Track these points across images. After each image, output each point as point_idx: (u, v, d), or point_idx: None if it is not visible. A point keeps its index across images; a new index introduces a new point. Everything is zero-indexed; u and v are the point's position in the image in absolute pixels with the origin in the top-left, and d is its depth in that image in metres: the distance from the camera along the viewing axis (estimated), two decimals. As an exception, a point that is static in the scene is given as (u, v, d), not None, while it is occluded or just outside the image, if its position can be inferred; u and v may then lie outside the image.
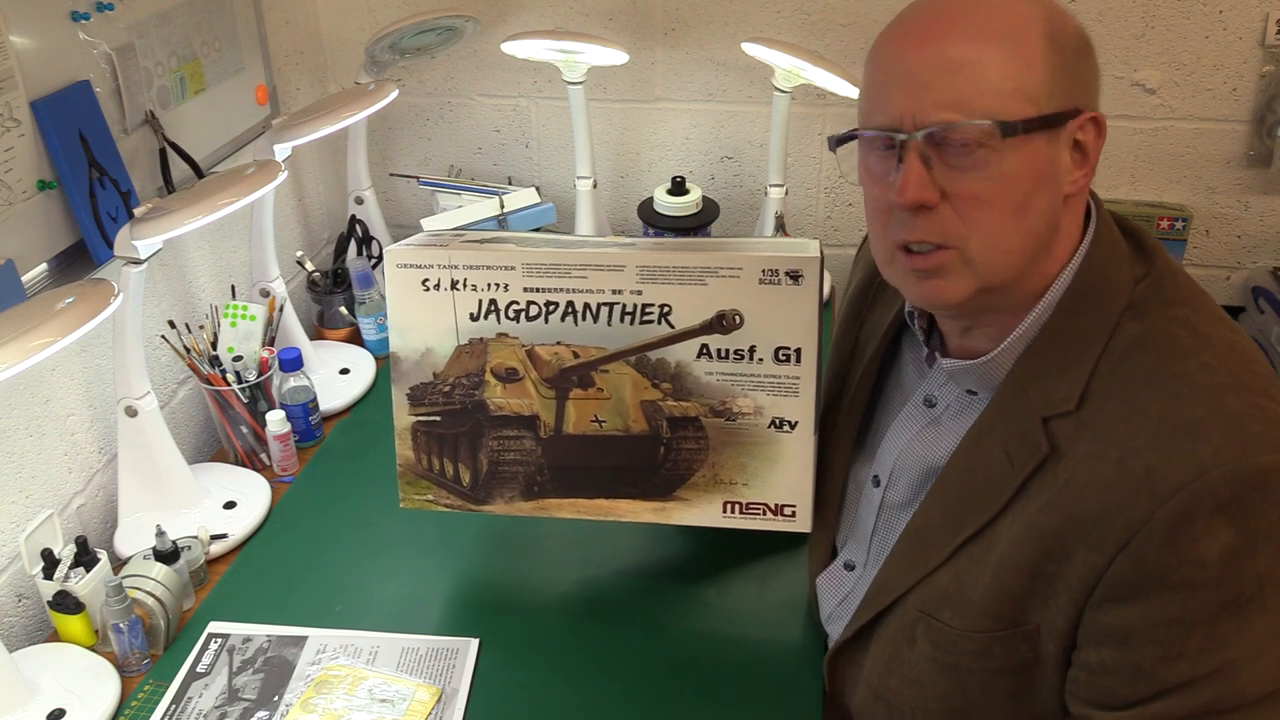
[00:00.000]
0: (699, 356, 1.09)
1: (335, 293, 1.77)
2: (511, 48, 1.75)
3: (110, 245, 1.24)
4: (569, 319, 1.10)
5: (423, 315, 1.13)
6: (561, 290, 1.10)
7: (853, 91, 1.61)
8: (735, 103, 1.88)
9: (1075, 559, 0.81)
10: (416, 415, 1.16)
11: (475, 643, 1.16)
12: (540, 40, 1.71)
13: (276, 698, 1.11)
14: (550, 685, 1.11)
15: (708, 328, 1.08)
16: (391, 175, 2.02)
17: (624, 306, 1.09)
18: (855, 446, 1.09)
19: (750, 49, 1.68)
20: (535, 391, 1.12)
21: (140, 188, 1.37)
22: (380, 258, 1.83)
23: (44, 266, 1.24)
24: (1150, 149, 1.77)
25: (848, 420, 1.09)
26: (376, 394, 1.63)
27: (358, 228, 1.83)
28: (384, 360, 1.70)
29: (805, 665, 1.12)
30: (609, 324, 1.10)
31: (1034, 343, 0.88)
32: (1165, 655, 0.78)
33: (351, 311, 1.76)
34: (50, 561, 1.15)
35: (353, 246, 1.82)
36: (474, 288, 1.11)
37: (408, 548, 1.31)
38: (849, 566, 1.08)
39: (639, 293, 1.09)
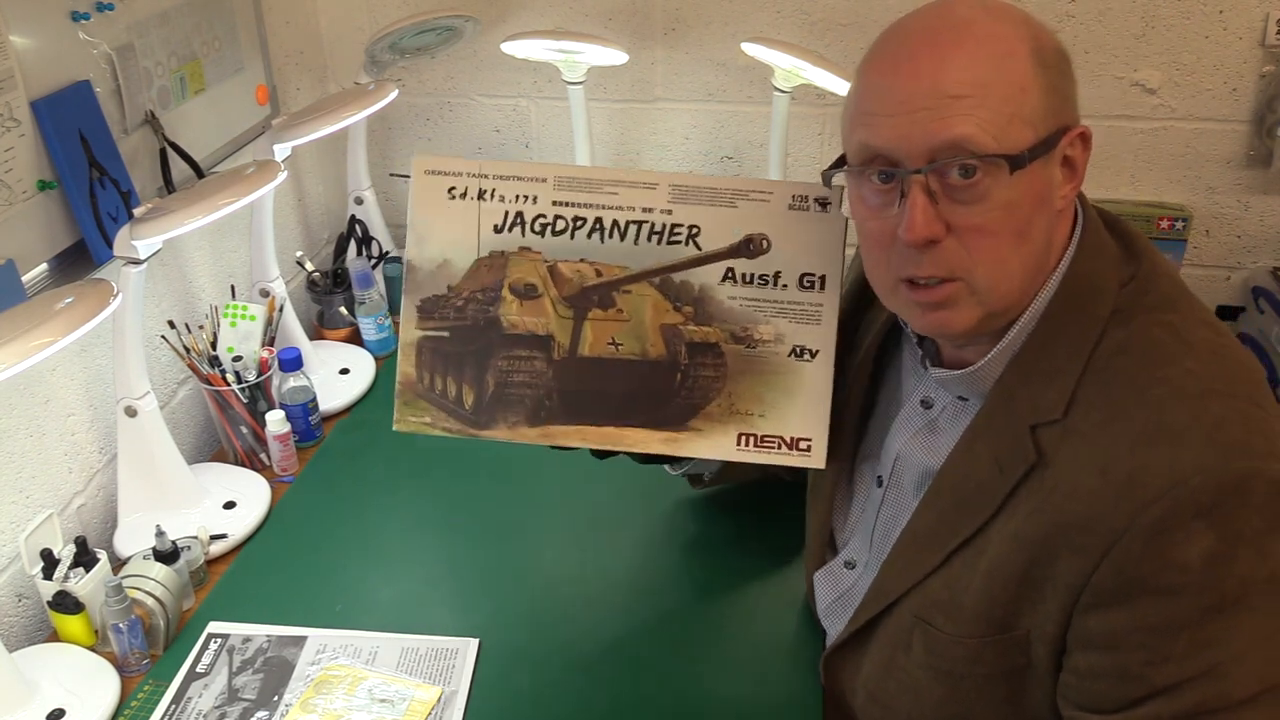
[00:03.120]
0: (724, 280, 1.08)
1: (335, 293, 1.77)
2: (511, 48, 1.75)
3: (110, 245, 1.24)
4: (595, 235, 1.08)
5: (444, 225, 1.10)
6: (591, 205, 1.08)
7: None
8: (735, 103, 1.88)
9: (1061, 565, 0.81)
10: (425, 330, 1.11)
11: (475, 643, 1.16)
12: (540, 40, 1.71)
13: (276, 698, 1.11)
14: (550, 685, 1.11)
15: (735, 251, 1.07)
16: (391, 175, 2.02)
17: (653, 225, 1.08)
18: (857, 443, 1.09)
19: (750, 49, 1.68)
20: (553, 310, 1.09)
21: (140, 188, 1.37)
22: (380, 257, 1.83)
23: (44, 266, 1.24)
24: (1150, 149, 1.77)
25: (848, 416, 1.09)
26: (376, 394, 1.63)
27: (357, 228, 1.83)
28: (384, 360, 1.70)
29: (805, 664, 1.12)
30: (636, 243, 1.08)
31: (1021, 351, 0.88)
32: (1152, 659, 0.79)
33: (351, 311, 1.76)
34: (50, 561, 1.15)
35: (352, 246, 1.82)
36: (501, 199, 1.09)
37: (408, 547, 1.31)
38: (849, 565, 1.08)
39: (669, 212, 1.07)
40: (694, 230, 1.07)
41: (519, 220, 1.09)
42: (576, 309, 1.09)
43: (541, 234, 1.09)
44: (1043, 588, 0.84)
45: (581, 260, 1.08)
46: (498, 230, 1.09)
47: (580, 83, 1.76)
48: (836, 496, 1.11)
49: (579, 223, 1.08)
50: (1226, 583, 0.76)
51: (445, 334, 1.11)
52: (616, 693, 1.10)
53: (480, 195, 1.09)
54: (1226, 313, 1.85)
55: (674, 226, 1.07)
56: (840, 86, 1.62)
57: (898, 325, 1.06)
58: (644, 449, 1.10)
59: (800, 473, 1.13)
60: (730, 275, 1.08)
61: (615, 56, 1.72)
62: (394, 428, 1.12)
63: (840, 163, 0.88)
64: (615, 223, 1.08)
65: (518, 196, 1.09)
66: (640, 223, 1.08)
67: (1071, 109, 0.84)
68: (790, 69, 1.64)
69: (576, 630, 1.18)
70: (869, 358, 1.07)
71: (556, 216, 1.08)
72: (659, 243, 1.08)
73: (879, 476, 1.04)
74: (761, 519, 1.33)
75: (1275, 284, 1.74)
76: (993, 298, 0.84)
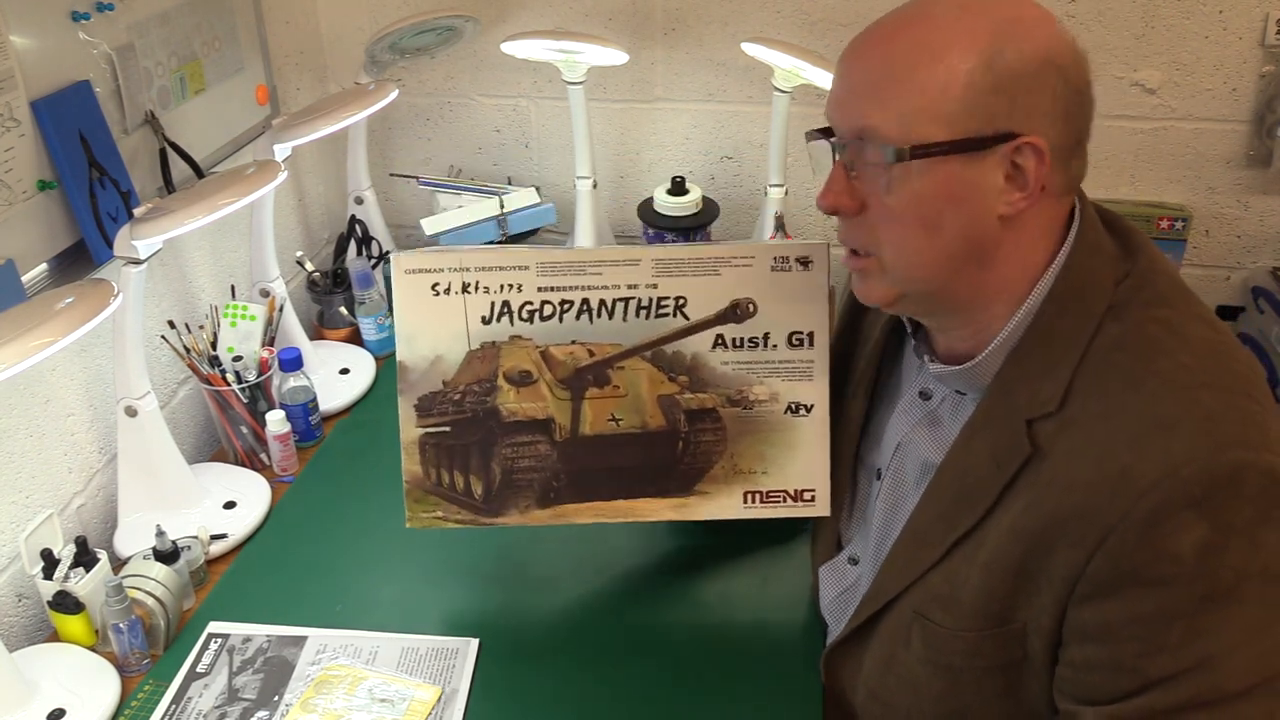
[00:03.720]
0: (714, 347, 1.10)
1: (335, 293, 1.77)
2: (511, 48, 1.75)
3: (110, 245, 1.24)
4: (584, 316, 1.10)
5: (432, 321, 1.11)
6: (576, 288, 1.09)
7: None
8: (735, 103, 1.88)
9: (1057, 557, 0.82)
10: (425, 427, 1.13)
11: (475, 643, 1.16)
12: (540, 40, 1.71)
13: (276, 698, 1.11)
14: (550, 685, 1.11)
15: (723, 317, 1.10)
16: (391, 175, 2.02)
17: (639, 301, 1.09)
18: (861, 438, 1.10)
19: (750, 49, 1.68)
20: (550, 393, 1.11)
21: (140, 188, 1.37)
22: (380, 257, 1.83)
23: (44, 266, 1.24)
24: (1150, 149, 1.77)
25: (852, 412, 1.10)
26: (376, 394, 1.63)
27: (357, 228, 1.83)
28: (384, 360, 1.70)
29: (807, 662, 1.12)
30: (624, 319, 1.10)
31: (1017, 346, 0.89)
32: (1146, 650, 0.79)
33: (351, 311, 1.76)
34: (50, 561, 1.15)
35: (352, 246, 1.82)
36: (486, 290, 1.10)
37: (408, 547, 1.31)
38: (853, 560, 1.08)
39: (654, 286, 1.09)
40: (680, 301, 1.09)
41: (506, 309, 1.10)
42: (573, 390, 1.11)
43: (530, 320, 1.10)
44: (1038, 580, 0.84)
45: (573, 342, 1.10)
46: (486, 321, 1.11)
47: (580, 83, 1.76)
48: (842, 492, 1.11)
49: (566, 306, 1.10)
50: (1219, 573, 0.76)
51: (446, 429, 1.13)
52: (617, 692, 1.10)
53: (464, 289, 1.10)
54: (1226, 313, 1.85)
55: (660, 300, 1.09)
56: (840, 86, 1.61)
57: (900, 323, 1.06)
58: (656, 518, 1.14)
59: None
60: (721, 341, 1.10)
61: (615, 56, 1.72)
62: (406, 525, 1.15)
63: (813, 133, 0.93)
64: (602, 302, 1.09)
65: (502, 286, 1.10)
66: (627, 299, 1.09)
67: (1031, 119, 0.82)
68: (790, 69, 1.64)
69: (577, 630, 1.18)
70: (875, 353, 1.08)
71: (544, 302, 1.10)
72: (647, 317, 1.10)
73: (878, 469, 1.04)
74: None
75: (1275, 284, 1.74)
76: (903, 279, 0.89)
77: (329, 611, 1.22)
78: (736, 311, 1.09)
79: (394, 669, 1.13)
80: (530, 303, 1.10)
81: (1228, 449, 0.76)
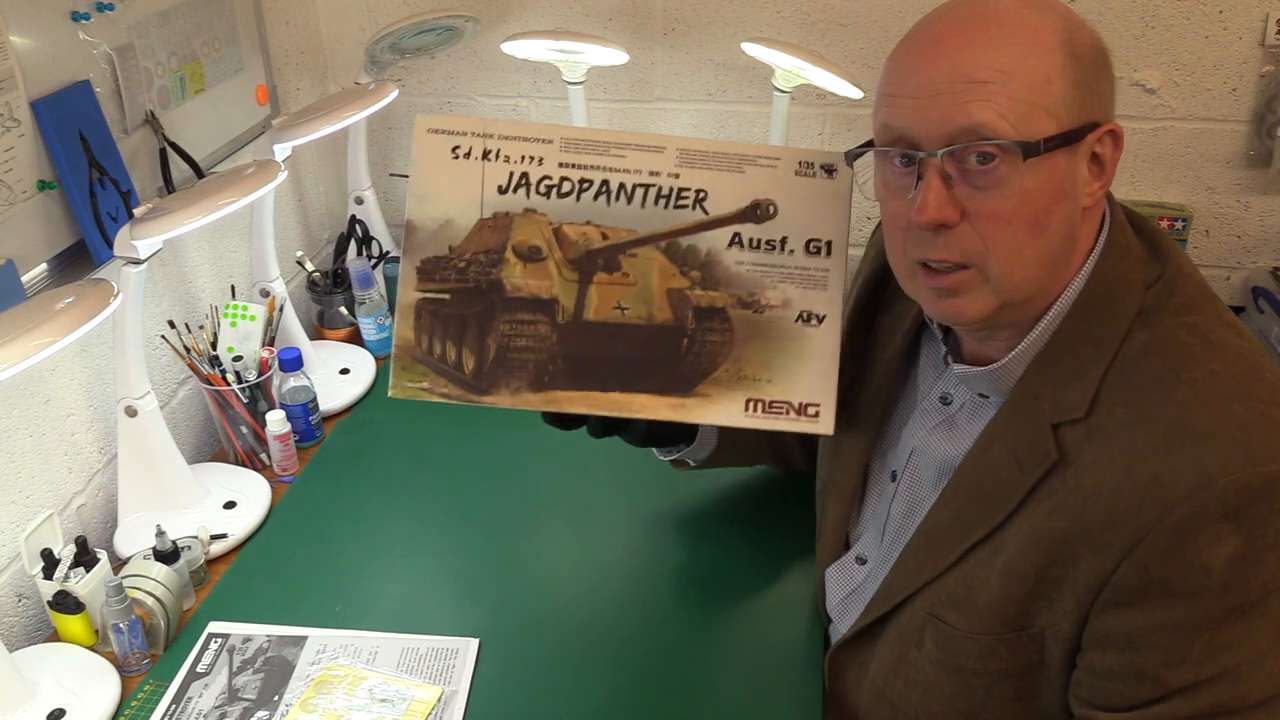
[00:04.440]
0: (730, 245, 1.07)
1: (335, 293, 1.77)
2: (511, 48, 1.75)
3: (110, 245, 1.24)
4: (602, 198, 1.06)
5: (447, 184, 1.07)
6: (597, 168, 1.06)
7: (853, 91, 1.61)
8: (735, 103, 1.88)
9: (1081, 564, 0.81)
10: (424, 292, 1.07)
11: (475, 643, 1.16)
12: (540, 40, 1.71)
13: (276, 698, 1.11)
14: (550, 685, 1.11)
15: (742, 215, 1.06)
16: (391, 175, 2.02)
17: (660, 189, 1.06)
18: (876, 439, 1.09)
19: (750, 49, 1.68)
20: (557, 273, 1.07)
21: (140, 188, 1.37)
22: (381, 257, 1.83)
23: (44, 266, 1.24)
24: (1150, 149, 1.77)
25: (870, 414, 1.09)
26: (377, 394, 1.63)
27: (358, 228, 1.83)
28: (384, 360, 1.70)
29: (807, 662, 1.12)
30: (642, 206, 1.06)
31: (1045, 350, 0.88)
32: (1168, 660, 0.79)
33: (351, 311, 1.76)
34: (50, 561, 1.15)
35: (353, 246, 1.82)
36: (506, 159, 1.07)
37: (408, 547, 1.31)
38: (861, 560, 1.08)
39: (676, 175, 1.06)
40: (701, 194, 1.06)
41: (524, 181, 1.06)
42: (582, 272, 1.07)
43: (547, 196, 1.06)
44: (1060, 586, 0.83)
45: (587, 223, 1.06)
46: (502, 191, 1.07)
47: (580, 83, 1.76)
48: (851, 492, 1.10)
49: (585, 185, 1.06)
50: (1249, 586, 0.76)
51: (445, 296, 1.07)
52: (617, 692, 1.10)
53: (485, 155, 1.07)
54: (1236, 317, 1.85)
55: (681, 190, 1.06)
56: (840, 86, 1.62)
57: (921, 324, 1.06)
58: (651, 415, 1.08)
59: (809, 446, 1.10)
60: (737, 240, 1.06)
61: (615, 56, 1.72)
62: (389, 393, 1.07)
63: (868, 146, 0.89)
64: (622, 185, 1.06)
65: (523, 157, 1.06)
66: (647, 186, 1.06)
67: (1104, 106, 0.84)
68: (790, 69, 1.64)
69: (577, 630, 1.18)
70: (898, 355, 1.06)
71: (562, 178, 1.06)
72: (666, 206, 1.06)
73: (893, 471, 1.04)
74: (765, 517, 1.33)
75: (1275, 284, 1.74)
76: (1006, 286, 0.84)
77: (329, 611, 1.22)
78: (756, 211, 1.05)
79: (394, 669, 1.13)
80: (549, 177, 1.06)
81: (1263, 462, 0.76)
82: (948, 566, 0.91)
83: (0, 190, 1.17)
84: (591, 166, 1.06)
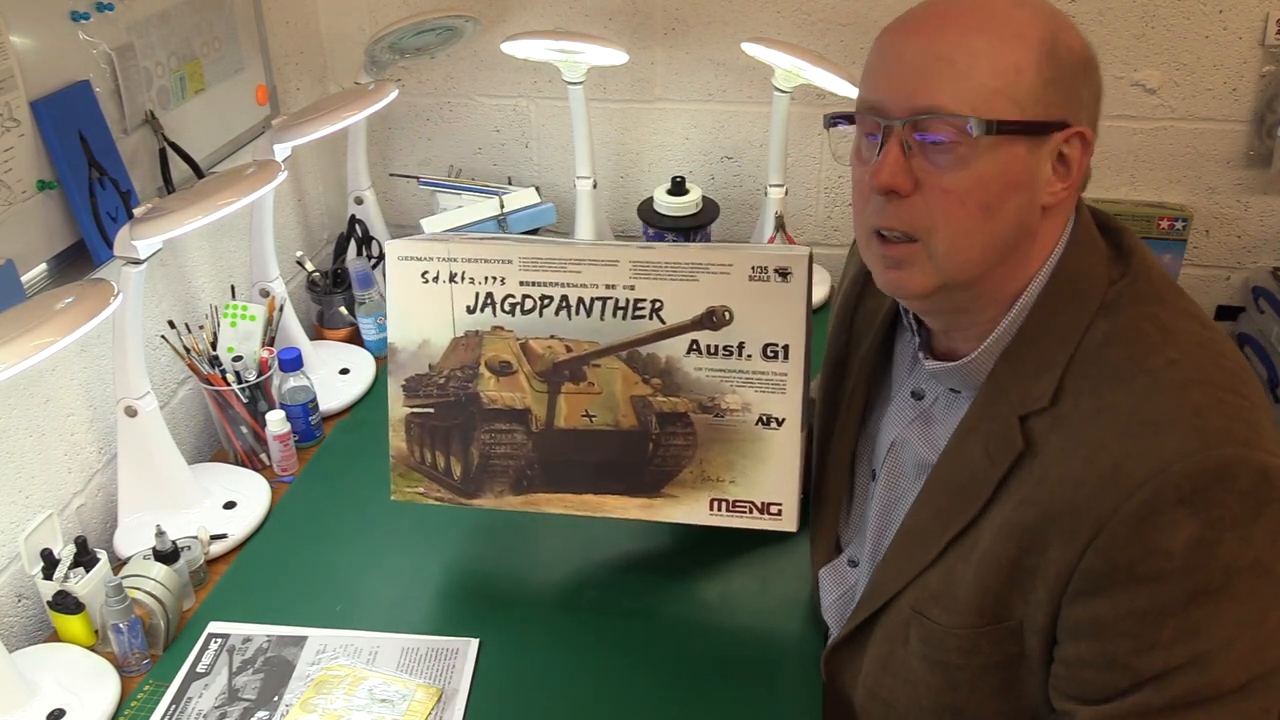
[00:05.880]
0: (689, 352, 1.11)
1: (335, 293, 1.77)
2: (511, 48, 1.75)
3: (110, 245, 1.24)
4: (563, 313, 1.12)
5: (421, 307, 1.15)
6: (556, 284, 1.12)
7: (853, 91, 1.61)
8: (735, 103, 1.88)
9: (1050, 553, 0.82)
10: (411, 407, 1.18)
11: (475, 643, 1.16)
12: (540, 40, 1.71)
13: (276, 698, 1.11)
14: (550, 685, 1.11)
15: (698, 323, 1.10)
16: (391, 175, 2.02)
17: (617, 301, 1.11)
18: (858, 439, 1.10)
19: (750, 49, 1.68)
20: (528, 385, 1.14)
21: (140, 188, 1.37)
22: (380, 257, 1.83)
23: (44, 266, 1.24)
24: (1150, 149, 1.77)
25: (849, 414, 1.09)
26: (376, 394, 1.63)
27: (357, 228, 1.83)
28: (384, 360, 1.70)
29: (807, 662, 1.12)
30: (602, 318, 1.12)
31: (1011, 344, 0.90)
32: (1138, 647, 0.79)
33: (351, 311, 1.76)
34: (50, 561, 1.15)
35: (352, 246, 1.82)
36: (471, 280, 1.13)
37: (407, 547, 1.31)
38: (853, 563, 1.09)
39: (631, 288, 1.11)
40: (657, 304, 1.11)
41: (489, 301, 1.14)
42: (550, 383, 1.14)
43: (512, 313, 1.13)
44: (1033, 576, 0.84)
45: (552, 337, 1.13)
46: (470, 310, 1.14)
47: (580, 83, 1.76)
48: (839, 495, 1.11)
49: (546, 301, 1.13)
50: (1210, 569, 0.77)
51: (430, 410, 1.17)
52: (617, 692, 1.10)
53: (452, 278, 1.14)
54: (1226, 313, 1.85)
55: (637, 301, 1.11)
56: (840, 86, 1.62)
57: (894, 320, 1.06)
58: (623, 515, 1.16)
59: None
60: (695, 347, 1.11)
61: (615, 56, 1.72)
62: (391, 498, 1.20)
63: (843, 115, 0.91)
64: (580, 300, 1.12)
65: (486, 278, 1.13)
66: (604, 299, 1.11)
67: (1079, 110, 0.85)
68: (790, 69, 1.64)
69: (576, 630, 1.18)
70: (872, 352, 1.07)
71: (524, 296, 1.13)
72: (624, 317, 1.11)
73: (874, 470, 1.04)
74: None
75: (1275, 284, 1.74)
76: (949, 266, 0.86)
77: (329, 611, 1.22)
78: (712, 318, 1.10)
79: (394, 669, 1.13)
80: (512, 295, 1.13)
81: (1218, 445, 0.77)
82: (929, 563, 0.92)
83: (0, 190, 1.17)
84: (551, 283, 1.13)
